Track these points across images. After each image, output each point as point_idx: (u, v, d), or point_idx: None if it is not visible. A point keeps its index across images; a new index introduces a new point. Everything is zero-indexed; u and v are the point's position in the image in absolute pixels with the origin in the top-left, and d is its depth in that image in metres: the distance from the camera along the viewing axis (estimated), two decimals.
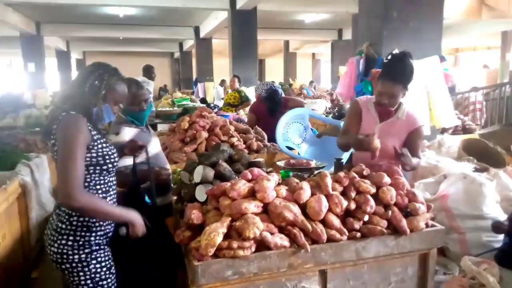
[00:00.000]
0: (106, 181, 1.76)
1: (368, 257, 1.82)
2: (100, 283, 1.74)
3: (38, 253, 3.63)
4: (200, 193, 1.97)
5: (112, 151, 1.77)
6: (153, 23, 14.06)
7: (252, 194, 1.78)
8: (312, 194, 1.82)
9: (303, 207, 1.77)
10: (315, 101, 8.56)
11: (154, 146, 2.40)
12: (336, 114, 6.96)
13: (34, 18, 12.95)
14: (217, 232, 1.58)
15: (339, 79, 4.69)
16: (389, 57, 2.44)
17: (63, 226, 1.69)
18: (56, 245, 1.68)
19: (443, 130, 4.78)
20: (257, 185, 1.77)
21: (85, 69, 1.77)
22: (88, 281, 1.72)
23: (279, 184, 1.92)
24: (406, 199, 1.93)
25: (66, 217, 1.69)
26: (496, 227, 2.37)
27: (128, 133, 2.24)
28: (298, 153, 3.51)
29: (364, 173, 2.00)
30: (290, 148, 3.48)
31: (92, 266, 1.72)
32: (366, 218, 1.82)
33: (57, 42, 16.75)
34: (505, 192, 2.88)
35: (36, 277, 3.36)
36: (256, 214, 1.69)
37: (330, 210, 1.78)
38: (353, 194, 1.86)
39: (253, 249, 1.64)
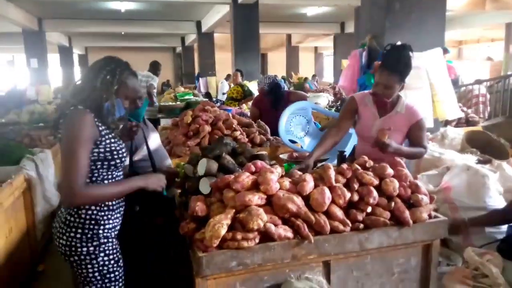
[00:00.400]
0: (114, 176, 1.78)
1: (371, 248, 1.83)
2: (108, 275, 1.76)
3: (44, 246, 3.67)
4: (204, 186, 1.98)
5: (120, 146, 1.77)
6: (154, 18, 14.04)
7: (255, 186, 1.79)
8: (315, 186, 1.83)
9: (306, 199, 1.78)
10: (317, 94, 8.54)
11: (154, 141, 2.42)
12: (339, 107, 6.95)
13: (36, 14, 12.95)
14: (221, 223, 1.59)
15: (341, 73, 4.68)
16: (387, 47, 2.44)
17: (72, 219, 1.70)
18: (64, 237, 1.70)
19: (446, 123, 4.77)
20: (260, 177, 1.78)
21: (97, 64, 1.76)
22: (96, 274, 1.74)
23: (282, 176, 1.93)
24: (409, 190, 1.93)
25: (75, 210, 1.71)
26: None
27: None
28: (301, 146, 3.52)
29: (367, 165, 2.00)
30: (293, 142, 3.49)
31: (100, 258, 1.73)
32: (369, 209, 1.83)
33: (59, 38, 16.76)
34: (508, 183, 2.88)
35: (42, 270, 3.39)
36: (259, 206, 1.70)
37: (333, 201, 1.79)
38: (356, 186, 1.86)
39: (257, 240, 1.65)
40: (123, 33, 16.38)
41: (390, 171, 1.94)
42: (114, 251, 1.79)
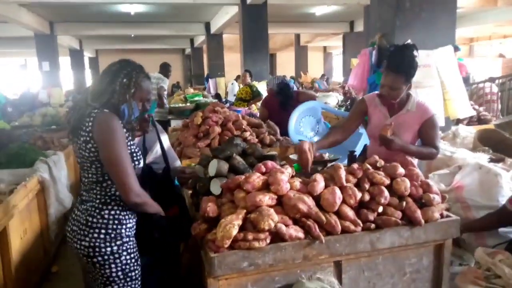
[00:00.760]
0: None
1: (382, 248, 1.83)
2: (129, 274, 1.79)
3: (57, 248, 3.73)
4: (215, 187, 1.99)
5: (137, 149, 1.82)
6: (164, 20, 14.13)
7: (266, 187, 1.79)
8: (326, 186, 1.83)
9: (317, 199, 1.78)
10: (327, 94, 8.53)
11: (164, 143, 2.44)
12: (349, 107, 6.92)
13: (48, 18, 13.14)
14: (232, 224, 1.60)
15: (351, 72, 4.66)
16: (391, 48, 2.43)
17: (94, 220, 1.73)
18: (87, 239, 1.72)
19: (458, 121, 4.72)
20: (271, 177, 1.79)
21: (113, 67, 1.78)
22: (119, 273, 1.76)
23: (292, 176, 1.93)
24: (421, 189, 1.92)
25: (97, 211, 1.74)
26: None
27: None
28: None
29: (378, 164, 1.99)
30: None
31: (123, 257, 1.76)
32: (380, 209, 1.82)
33: (70, 41, 16.97)
34: None
35: (56, 272, 3.44)
36: (270, 206, 1.71)
37: (344, 201, 1.79)
38: (367, 186, 1.86)
39: (268, 240, 1.65)
40: (133, 35, 16.52)
41: (401, 170, 1.93)
42: (134, 249, 1.82)
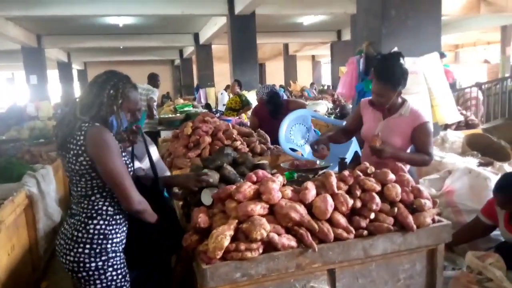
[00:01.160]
0: None
1: (376, 255, 1.82)
2: None
3: (47, 263, 3.65)
4: (206, 197, 1.98)
5: (128, 160, 1.82)
6: (152, 32, 14.15)
7: (257, 196, 1.78)
8: (318, 194, 1.83)
9: (309, 207, 1.78)
10: (316, 102, 8.58)
11: (153, 154, 2.42)
12: (338, 114, 6.97)
13: (35, 31, 13.06)
14: (224, 235, 1.59)
15: (339, 80, 4.70)
16: (378, 57, 2.47)
17: (79, 234, 1.70)
18: (72, 253, 1.69)
19: (446, 126, 4.78)
20: (262, 186, 1.78)
21: (99, 79, 1.76)
22: None
23: (284, 185, 1.92)
24: (412, 195, 1.93)
25: (82, 225, 1.71)
26: None
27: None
28: (302, 155, 3.52)
29: (368, 171, 2.00)
30: (293, 150, 3.49)
31: (109, 273, 1.73)
32: (372, 216, 1.83)
33: (58, 54, 16.87)
34: None
35: (46, 287, 3.37)
36: (262, 215, 1.70)
37: (336, 209, 1.79)
38: (358, 193, 1.86)
39: (261, 250, 1.64)
40: (121, 47, 16.49)
41: (392, 176, 1.94)
42: (122, 265, 1.78)
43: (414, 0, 4.02)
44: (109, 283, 1.73)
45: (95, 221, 1.71)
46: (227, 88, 11.47)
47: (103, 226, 1.72)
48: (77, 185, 1.73)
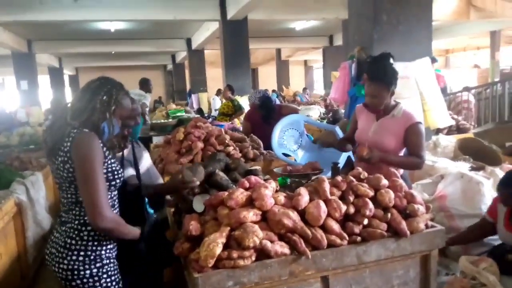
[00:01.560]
0: (112, 195, 1.76)
1: (369, 261, 1.81)
2: None
3: (36, 271, 3.59)
4: (198, 204, 1.95)
5: (118, 166, 1.77)
6: (144, 37, 14.10)
7: (250, 203, 1.76)
8: (311, 200, 1.81)
9: (302, 213, 1.76)
10: (309, 107, 8.59)
11: (146, 161, 2.39)
12: (331, 119, 6.98)
13: (26, 36, 12.94)
14: (216, 242, 1.56)
15: (332, 85, 4.71)
16: (368, 59, 2.51)
17: (73, 242, 1.67)
18: (65, 261, 1.66)
19: (438, 131, 4.80)
20: (255, 193, 1.76)
21: (92, 84, 1.74)
22: None
23: (277, 191, 1.90)
24: (405, 200, 1.92)
25: (76, 232, 1.68)
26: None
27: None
28: (295, 160, 3.51)
29: (361, 176, 1.99)
30: (286, 155, 3.47)
31: (103, 280, 1.70)
32: (365, 221, 1.81)
33: (49, 59, 16.74)
34: None
35: None
36: (255, 222, 1.67)
37: (329, 215, 1.77)
38: (351, 198, 1.85)
39: (254, 258, 1.62)
40: (113, 52, 16.41)
41: (385, 182, 1.93)
42: (115, 272, 1.76)
43: (405, 5, 4.05)
44: None
45: (88, 228, 1.68)
46: (218, 93, 11.46)
47: (97, 232, 1.69)
48: (67, 192, 1.70)
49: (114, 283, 1.74)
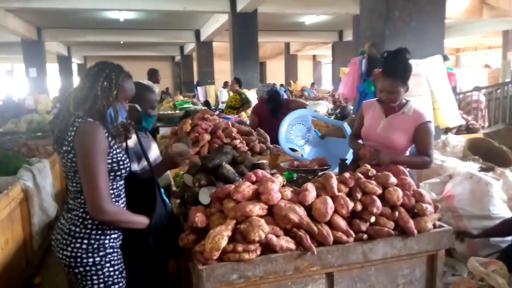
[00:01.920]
0: (118, 185, 1.75)
1: (375, 259, 1.79)
2: (113, 287, 1.73)
3: (41, 258, 3.61)
4: (204, 196, 1.94)
5: (124, 156, 1.75)
6: (153, 27, 14.08)
7: (256, 196, 1.75)
8: (317, 196, 1.79)
9: (309, 209, 1.74)
10: (317, 102, 8.55)
11: (154, 151, 2.38)
12: (339, 115, 6.94)
13: (35, 24, 12.99)
14: (221, 235, 1.55)
15: (340, 81, 4.67)
16: (385, 54, 2.45)
17: (77, 229, 1.67)
18: (69, 248, 1.66)
19: (447, 130, 4.75)
20: (261, 187, 1.74)
21: (91, 71, 1.71)
22: (101, 285, 1.70)
23: (283, 185, 1.89)
24: (413, 199, 1.90)
25: (80, 220, 1.68)
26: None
27: (133, 138, 2.21)
28: (301, 155, 3.49)
29: (370, 173, 1.97)
30: (293, 150, 3.46)
31: (106, 269, 1.70)
32: (372, 219, 1.79)
33: (58, 47, 16.79)
34: None
35: (39, 283, 3.33)
36: (261, 216, 1.66)
37: (336, 211, 1.75)
38: (359, 195, 1.82)
39: (259, 252, 1.61)
40: (122, 42, 16.43)
41: (393, 180, 1.90)
42: (119, 261, 1.76)
43: (418, 1, 3.99)
44: (106, 278, 1.70)
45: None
46: (225, 85, 11.44)
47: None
48: (72, 180, 1.69)
49: (117, 272, 1.74)
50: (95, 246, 1.68)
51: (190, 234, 1.73)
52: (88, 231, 1.67)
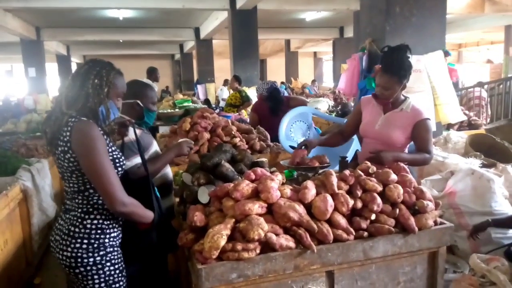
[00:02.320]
0: None
1: (376, 257, 1.78)
2: (114, 286, 1.73)
3: (41, 259, 3.61)
4: (203, 195, 1.93)
5: (119, 154, 1.74)
6: (153, 25, 14.05)
7: (255, 195, 1.73)
8: (317, 194, 1.77)
9: (308, 207, 1.73)
10: (318, 99, 8.51)
11: (154, 147, 2.36)
12: (340, 112, 6.91)
13: (34, 23, 12.96)
14: (220, 234, 1.54)
15: (341, 76, 4.64)
16: (385, 49, 2.43)
17: (76, 230, 1.66)
18: (69, 249, 1.66)
19: (449, 126, 4.72)
20: (260, 185, 1.73)
21: (81, 69, 1.70)
22: (102, 284, 1.70)
23: (283, 183, 1.87)
24: (414, 196, 1.88)
25: (79, 220, 1.67)
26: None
27: (133, 133, 2.19)
28: None
29: (370, 171, 1.95)
30: (293, 148, 3.43)
31: (107, 268, 1.69)
32: (373, 217, 1.77)
33: (57, 47, 16.77)
34: None
35: (39, 283, 3.32)
36: (260, 215, 1.64)
37: (336, 209, 1.74)
38: (359, 193, 1.81)
39: (258, 251, 1.59)
40: (121, 41, 16.40)
41: (394, 177, 1.89)
42: (119, 260, 1.75)
43: None
44: (106, 278, 1.70)
45: (91, 216, 1.67)
46: (225, 83, 11.40)
47: (100, 221, 1.69)
48: (69, 181, 1.68)
49: (117, 271, 1.74)
50: (95, 245, 1.67)
51: (189, 233, 1.71)
52: (87, 231, 1.66)
